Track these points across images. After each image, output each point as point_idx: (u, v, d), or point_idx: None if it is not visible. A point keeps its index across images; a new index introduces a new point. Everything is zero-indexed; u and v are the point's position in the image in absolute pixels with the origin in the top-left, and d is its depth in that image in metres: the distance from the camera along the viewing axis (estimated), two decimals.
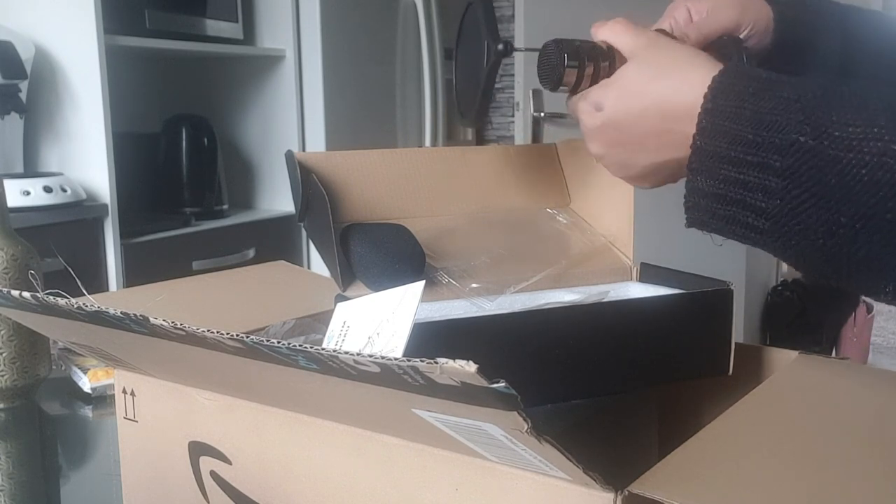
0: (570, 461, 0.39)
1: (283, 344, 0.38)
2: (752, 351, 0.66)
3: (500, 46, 0.62)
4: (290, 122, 2.36)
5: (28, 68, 1.85)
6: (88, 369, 0.96)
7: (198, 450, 0.59)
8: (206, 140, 2.26)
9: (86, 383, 0.95)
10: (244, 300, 0.78)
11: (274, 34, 2.35)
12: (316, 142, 2.36)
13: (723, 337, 0.63)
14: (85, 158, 1.93)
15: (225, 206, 2.30)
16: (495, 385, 0.33)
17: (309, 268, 2.29)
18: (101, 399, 0.94)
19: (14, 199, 1.70)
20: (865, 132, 0.46)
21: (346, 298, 0.56)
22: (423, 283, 0.49)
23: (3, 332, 0.89)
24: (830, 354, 1.89)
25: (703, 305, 0.62)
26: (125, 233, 1.93)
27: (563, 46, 0.59)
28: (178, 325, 0.42)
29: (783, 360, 0.64)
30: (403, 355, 0.37)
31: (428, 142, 2.67)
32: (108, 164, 1.90)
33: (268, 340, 0.39)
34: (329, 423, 0.51)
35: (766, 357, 0.66)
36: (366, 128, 2.49)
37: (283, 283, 0.84)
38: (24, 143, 1.94)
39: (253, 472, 0.56)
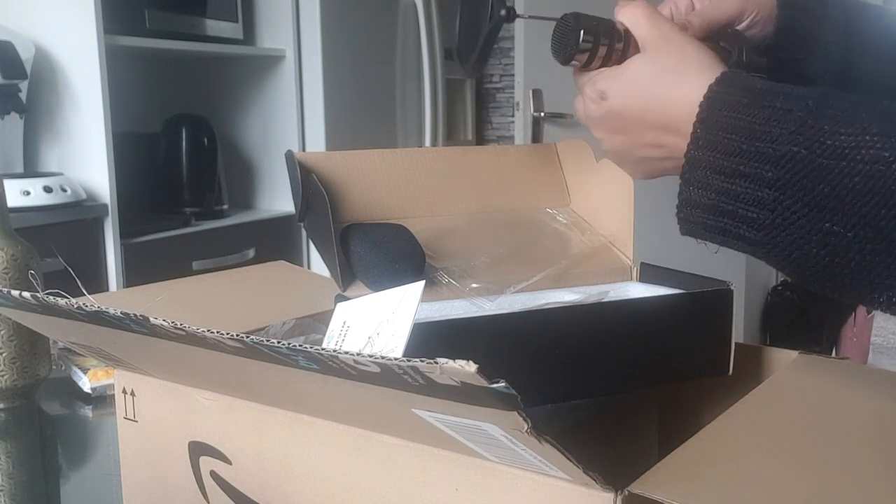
0: (570, 461, 0.39)
1: (283, 344, 0.38)
2: (752, 351, 0.66)
3: (503, 12, 0.62)
4: (290, 122, 2.35)
5: (28, 68, 1.85)
6: (88, 369, 0.96)
7: (198, 450, 0.59)
8: (206, 140, 2.26)
9: (86, 383, 0.95)
10: (244, 300, 0.78)
11: (274, 34, 2.35)
12: (316, 142, 2.36)
13: (723, 337, 0.63)
14: (85, 158, 1.93)
15: (225, 206, 2.30)
16: (495, 385, 0.33)
17: (309, 268, 2.29)
18: (101, 399, 0.94)
19: (14, 199, 1.70)
20: (857, 140, 0.46)
21: (346, 298, 0.56)
22: (423, 283, 0.49)
23: (3, 332, 0.89)
24: (830, 354, 1.89)
25: (703, 305, 0.62)
26: (125, 233, 1.93)
27: (582, 23, 0.58)
28: (178, 325, 0.42)
29: (783, 360, 0.64)
30: (403, 355, 0.37)
31: (428, 142, 2.67)
32: (108, 164, 1.90)
33: (268, 340, 0.39)
34: (329, 423, 0.51)
35: (766, 357, 0.66)
36: (366, 128, 2.49)
37: (283, 283, 0.84)
38: (24, 143, 1.94)
39: (253, 472, 0.56)
